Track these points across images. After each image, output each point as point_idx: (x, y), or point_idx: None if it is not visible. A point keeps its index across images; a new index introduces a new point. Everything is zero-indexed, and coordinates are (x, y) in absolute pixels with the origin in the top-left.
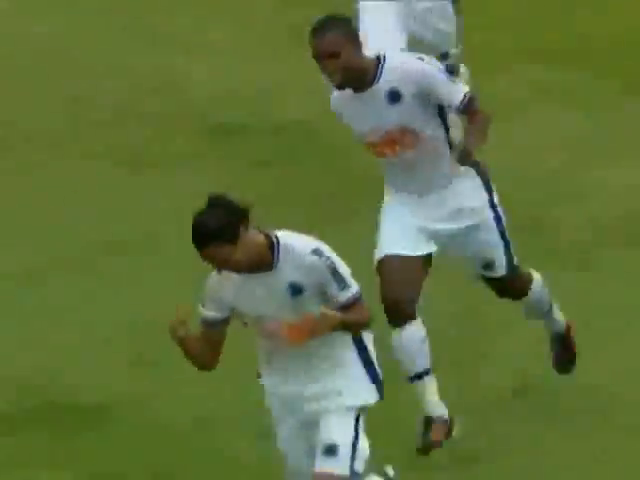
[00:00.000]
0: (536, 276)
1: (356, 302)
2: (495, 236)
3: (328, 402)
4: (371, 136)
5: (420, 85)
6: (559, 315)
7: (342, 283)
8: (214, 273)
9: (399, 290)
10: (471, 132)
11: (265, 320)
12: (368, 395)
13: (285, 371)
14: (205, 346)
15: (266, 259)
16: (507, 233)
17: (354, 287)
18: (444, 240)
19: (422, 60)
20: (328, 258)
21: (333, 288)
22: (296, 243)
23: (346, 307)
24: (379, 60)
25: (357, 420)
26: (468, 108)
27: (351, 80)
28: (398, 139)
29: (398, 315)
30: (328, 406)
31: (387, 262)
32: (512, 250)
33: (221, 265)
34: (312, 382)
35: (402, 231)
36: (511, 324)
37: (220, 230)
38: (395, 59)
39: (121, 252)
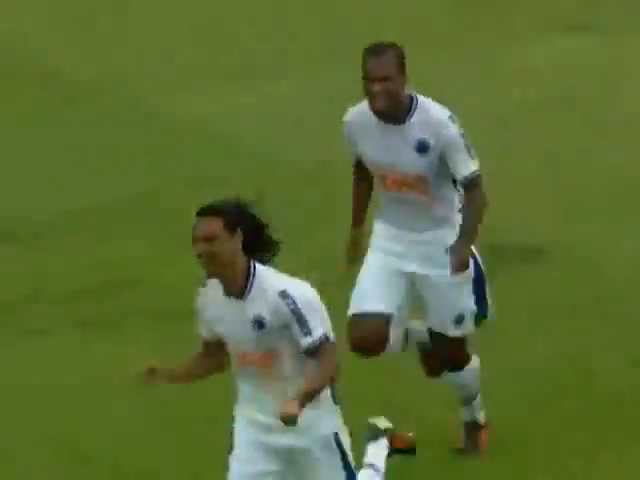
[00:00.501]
0: (475, 360)
1: (319, 348)
2: (468, 293)
3: (303, 439)
4: (384, 169)
5: (444, 146)
6: (479, 408)
7: (305, 329)
8: (200, 292)
9: (371, 339)
10: (460, 238)
11: (237, 344)
12: (335, 421)
13: (254, 401)
14: (206, 360)
15: (239, 284)
16: (486, 294)
17: (318, 333)
18: (419, 285)
19: (453, 122)
20: (294, 302)
21: (296, 332)
22: (270, 280)
23: (307, 352)
24: (412, 100)
25: (341, 451)
26: (469, 185)
27: (391, 108)
28: (411, 183)
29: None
30: (307, 447)
31: (361, 317)
32: (487, 304)
33: (206, 244)
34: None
35: (380, 284)
36: None
37: (227, 211)
38: (430, 109)
39: None
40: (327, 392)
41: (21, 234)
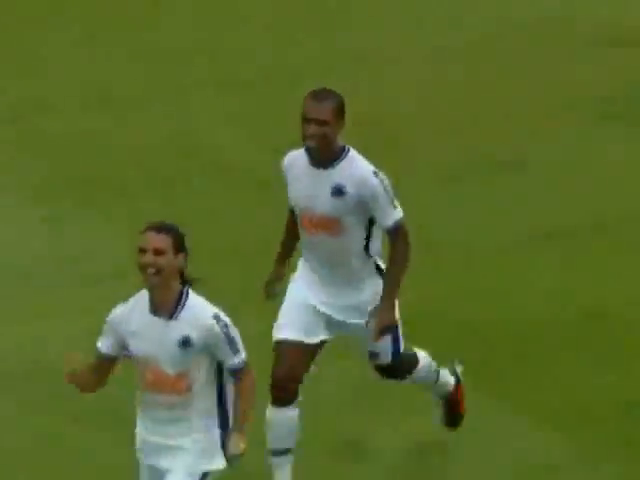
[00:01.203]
0: (422, 357)
1: (245, 367)
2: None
3: (177, 460)
4: (303, 209)
5: (364, 197)
6: (446, 381)
7: (235, 349)
8: (119, 307)
9: (289, 373)
10: (384, 301)
11: (150, 363)
12: (216, 461)
13: (152, 420)
14: (93, 375)
15: (170, 305)
16: (399, 331)
17: (244, 353)
18: (337, 327)
19: (376, 176)
20: (226, 325)
21: (226, 352)
22: (201, 304)
23: (235, 371)
24: (343, 150)
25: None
26: (393, 233)
27: (321, 151)
28: (324, 224)
29: (284, 395)
30: (176, 464)
31: (282, 345)
32: (400, 344)
33: (154, 254)
34: (166, 435)
35: (300, 314)
36: None
37: (176, 232)
38: (356, 162)
39: None
40: (215, 427)
41: None
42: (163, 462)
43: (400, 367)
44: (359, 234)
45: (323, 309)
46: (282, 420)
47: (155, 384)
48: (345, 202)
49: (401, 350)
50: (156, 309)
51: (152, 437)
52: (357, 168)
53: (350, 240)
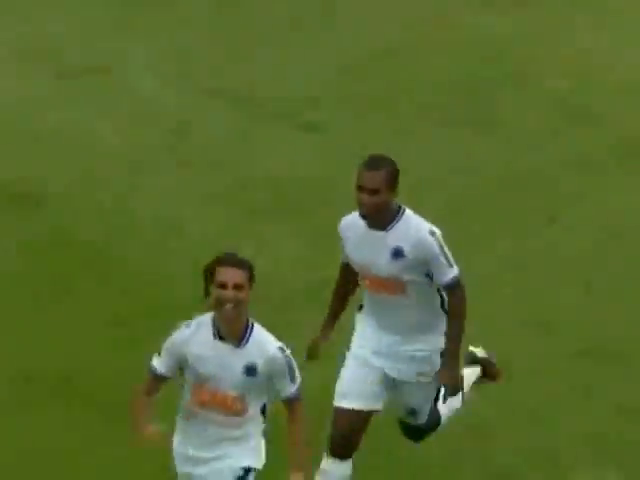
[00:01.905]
0: (444, 413)
1: (299, 398)
2: (430, 394)
3: (217, 464)
4: (363, 270)
5: (422, 258)
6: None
7: (293, 379)
8: (182, 330)
9: (347, 440)
10: (449, 356)
11: (209, 384)
12: (257, 461)
13: (198, 435)
14: (150, 399)
15: (239, 334)
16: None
17: (299, 379)
18: (389, 389)
19: (432, 235)
20: (288, 356)
21: (285, 381)
22: (267, 335)
23: (291, 399)
24: (398, 211)
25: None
26: (449, 290)
27: (375, 217)
28: (385, 285)
29: (343, 453)
30: (217, 467)
31: (342, 412)
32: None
33: (234, 289)
34: (213, 450)
35: (359, 380)
36: None
37: (250, 265)
38: (412, 222)
39: None
40: (260, 436)
41: None
42: (200, 470)
43: (428, 429)
44: (427, 291)
45: (379, 364)
46: (336, 473)
47: (211, 403)
48: (404, 263)
49: (440, 415)
50: (223, 336)
51: (194, 451)
52: (413, 229)
53: (416, 297)
